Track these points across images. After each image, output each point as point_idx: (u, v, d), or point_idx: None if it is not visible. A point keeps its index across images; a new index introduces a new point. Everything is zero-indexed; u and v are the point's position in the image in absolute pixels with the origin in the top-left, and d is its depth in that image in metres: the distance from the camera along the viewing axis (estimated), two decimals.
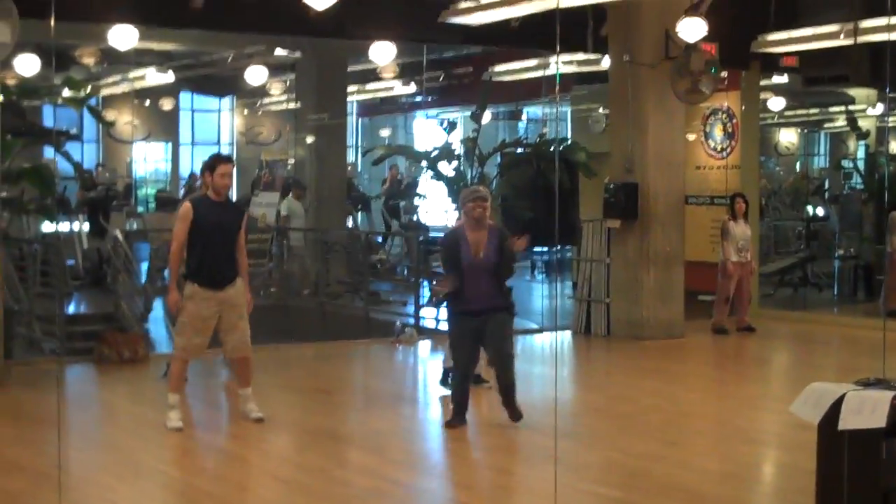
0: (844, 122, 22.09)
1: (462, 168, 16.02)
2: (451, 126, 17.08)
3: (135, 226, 20.00)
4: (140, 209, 24.34)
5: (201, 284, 8.46)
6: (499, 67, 19.63)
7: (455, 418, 8.76)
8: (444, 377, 10.28)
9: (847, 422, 5.99)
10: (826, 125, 26.01)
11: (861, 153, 21.61)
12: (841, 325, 15.62)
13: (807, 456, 6.68)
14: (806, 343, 14.30)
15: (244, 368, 8.85)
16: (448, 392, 9.82)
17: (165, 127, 27.96)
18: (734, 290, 14.27)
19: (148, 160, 28.47)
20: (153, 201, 24.85)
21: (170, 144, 28.74)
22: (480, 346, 8.78)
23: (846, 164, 23.35)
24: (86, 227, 19.07)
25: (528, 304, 17.55)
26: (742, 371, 12.51)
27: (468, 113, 17.72)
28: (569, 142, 18.12)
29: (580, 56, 16.36)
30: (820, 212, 22.24)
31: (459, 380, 8.83)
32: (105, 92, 23.82)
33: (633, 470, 7.71)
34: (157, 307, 15.48)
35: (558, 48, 13.10)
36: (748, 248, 14.31)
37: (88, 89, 18.75)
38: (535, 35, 14.63)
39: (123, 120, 25.63)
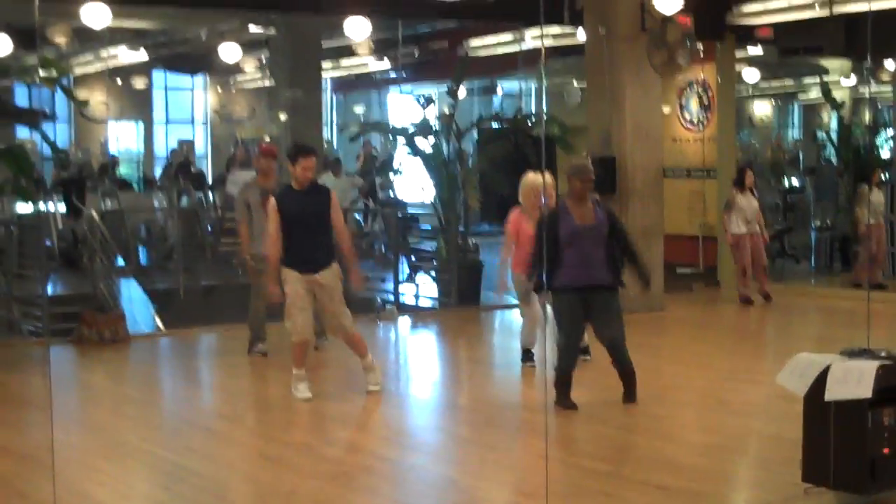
0: (818, 94, 22.14)
1: (439, 144, 16.01)
2: (428, 101, 17.02)
3: (109, 205, 19.86)
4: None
5: (293, 268, 8.83)
6: (474, 42, 19.61)
7: (565, 400, 8.46)
8: (525, 355, 10.28)
9: (833, 392, 6.04)
10: (800, 96, 26.11)
11: (835, 124, 21.69)
12: (818, 296, 15.74)
13: (791, 426, 6.75)
14: (785, 314, 14.38)
15: (351, 345, 9.18)
16: (530, 365, 10.05)
17: (139, 106, 27.76)
18: (749, 260, 14.40)
19: (121, 139, 28.27)
20: (134, 181, 24.66)
21: (142, 123, 28.55)
22: (588, 322, 8.61)
23: (820, 135, 23.45)
24: (61, 207, 18.94)
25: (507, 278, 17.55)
26: (723, 343, 12.58)
27: (444, 88, 17.68)
28: (545, 116, 18.11)
29: (556, 29, 16.34)
30: (795, 183, 22.35)
31: (566, 362, 8.52)
32: (78, 71, 23.65)
33: (621, 443, 7.75)
34: (133, 286, 15.47)
35: (542, 20, 13.06)
36: (755, 219, 14.38)
37: (61, 69, 18.62)
38: (510, 8, 14.63)
39: (96, 99, 25.43)
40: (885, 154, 20.60)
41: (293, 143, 9.80)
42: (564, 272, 8.36)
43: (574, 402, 8.47)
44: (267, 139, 23.54)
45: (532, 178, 9.87)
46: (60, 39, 19.82)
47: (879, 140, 20.92)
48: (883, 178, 17.13)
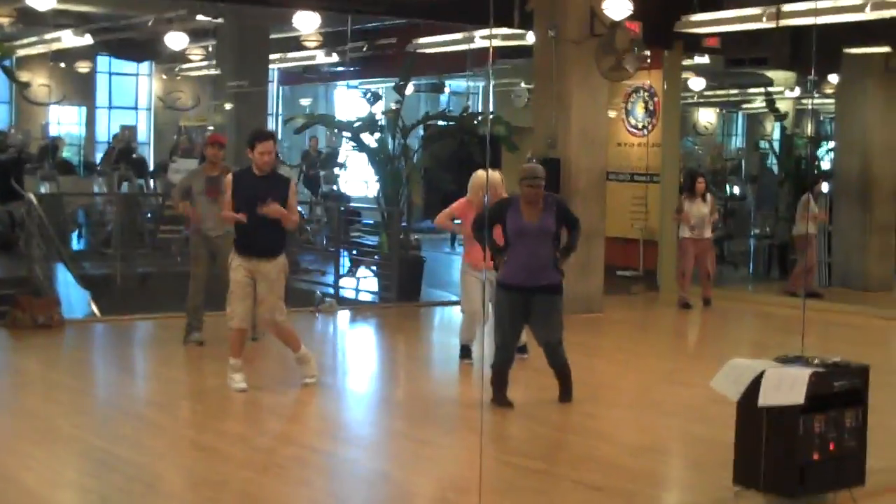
0: (762, 104, 22.39)
1: (384, 139, 15.98)
2: (375, 97, 16.97)
3: (48, 189, 19.62)
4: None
5: (238, 252, 8.81)
6: (423, 40, 19.57)
7: (501, 398, 8.45)
8: (463, 352, 10.26)
9: (766, 398, 6.10)
10: (744, 106, 26.39)
11: (777, 134, 21.94)
12: (755, 302, 15.90)
13: (724, 429, 6.80)
14: (722, 319, 14.52)
15: (282, 339, 9.11)
16: (467, 362, 10.06)
17: (81, 90, 27.44)
18: (694, 265, 14.59)
19: (63, 123, 27.93)
20: (75, 165, 24.35)
21: (85, 108, 28.23)
22: (526, 323, 8.61)
23: (763, 144, 23.71)
24: None
25: (448, 276, 17.58)
26: (659, 345, 12.67)
27: (391, 84, 17.63)
28: (491, 115, 18.14)
29: (505, 31, 16.36)
30: (737, 191, 22.57)
31: (502, 359, 8.50)
32: (20, 53, 23.33)
33: (555, 442, 7.78)
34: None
35: (491, 21, 13.08)
36: (704, 225, 14.50)
37: (4, 50, 18.40)
38: (460, 8, 14.61)
39: (39, 82, 25.10)
40: (825, 165, 20.87)
41: (252, 130, 9.77)
42: (508, 270, 8.39)
43: (510, 400, 8.48)
44: (210, 128, 23.34)
45: (482, 175, 9.86)
46: (4, 20, 19.52)
47: (820, 151, 21.20)
48: (823, 189, 17.38)
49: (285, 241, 9.02)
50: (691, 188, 14.65)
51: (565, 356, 8.67)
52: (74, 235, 18.89)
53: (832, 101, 20.31)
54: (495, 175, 9.88)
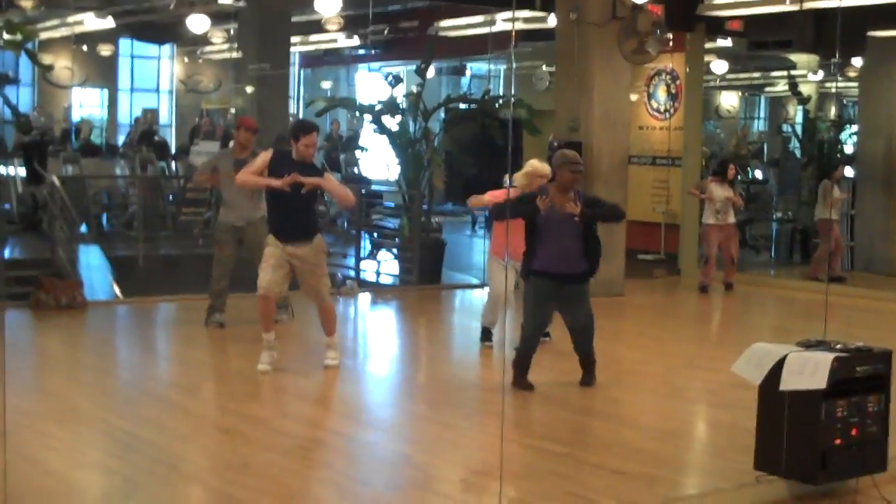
0: (785, 87, 22.28)
1: (405, 122, 15.97)
2: (396, 80, 16.95)
3: (70, 171, 19.70)
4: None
5: (275, 236, 8.79)
6: (444, 23, 19.55)
7: (522, 381, 8.49)
8: (484, 334, 10.27)
9: (788, 382, 6.08)
10: (767, 89, 26.26)
11: (800, 118, 21.84)
12: (777, 286, 15.84)
13: (746, 415, 6.80)
14: (744, 304, 14.48)
15: (324, 319, 9.13)
16: (488, 345, 10.09)
17: (104, 73, 27.51)
18: (717, 251, 14.47)
19: (85, 106, 28.03)
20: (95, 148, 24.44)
21: (107, 90, 28.31)
22: (556, 311, 8.66)
23: (785, 128, 23.60)
24: (21, 171, 18.75)
25: (468, 259, 17.60)
26: (681, 330, 12.65)
27: (412, 67, 17.62)
28: (513, 98, 18.12)
29: (527, 13, 16.32)
30: (759, 175, 22.48)
31: (528, 344, 8.55)
32: (43, 36, 23.39)
33: (577, 426, 7.77)
34: (94, 254, 15.35)
35: (514, 3, 13.06)
36: (728, 210, 14.37)
37: (27, 33, 18.42)
38: None
39: (61, 64, 25.18)
40: (848, 149, 20.77)
41: (296, 120, 9.74)
42: (540, 259, 8.39)
43: (531, 382, 8.49)
44: (232, 111, 23.39)
45: (538, 164, 9.80)
46: (26, 3, 19.53)
47: (843, 136, 21.09)
48: (846, 174, 17.29)
49: (317, 220, 9.11)
50: (723, 172, 14.47)
51: (593, 345, 8.72)
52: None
53: (856, 84, 20.19)
54: (546, 168, 9.66)
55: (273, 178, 8.67)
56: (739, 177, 21.96)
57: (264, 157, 8.88)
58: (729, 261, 14.66)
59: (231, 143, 11.23)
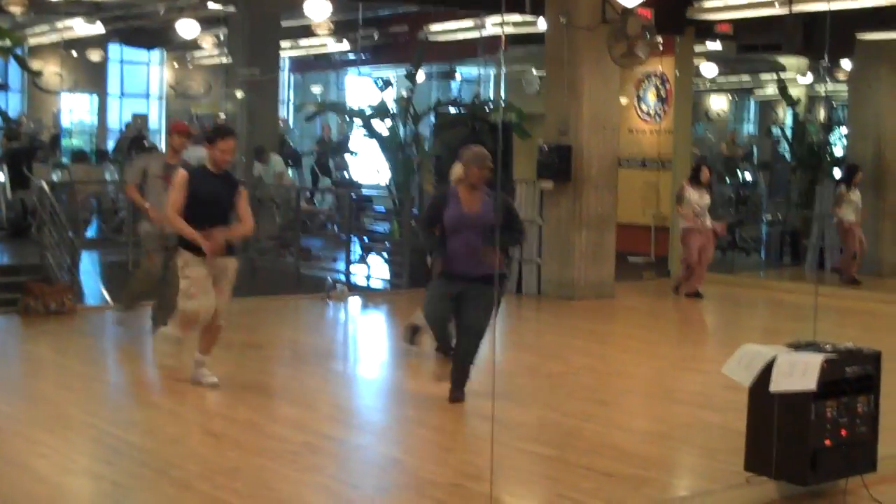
0: (775, 90, 22.32)
1: (395, 126, 15.98)
2: (386, 84, 16.97)
3: (59, 177, 19.67)
4: (64, 160, 23.97)
5: (195, 253, 8.35)
6: (434, 27, 19.57)
7: (457, 392, 8.21)
8: (410, 334, 10.08)
9: (778, 384, 6.09)
10: (756, 92, 26.32)
11: (790, 121, 21.87)
12: (767, 288, 15.86)
13: (736, 416, 6.80)
14: (734, 305, 14.50)
15: (213, 336, 8.70)
16: (411, 347, 9.91)
17: (93, 78, 27.52)
18: (696, 258, 14.13)
19: (74, 111, 28.01)
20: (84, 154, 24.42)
21: (97, 96, 28.29)
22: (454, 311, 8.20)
23: (775, 131, 23.64)
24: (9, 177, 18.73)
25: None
26: (671, 332, 12.66)
27: (402, 72, 17.63)
28: (503, 102, 18.14)
29: (517, 17, 16.34)
30: (749, 178, 22.53)
31: (441, 334, 8.27)
32: (32, 41, 23.38)
33: (566, 429, 7.76)
34: (84, 259, 15.30)
35: (503, 7, 13.07)
36: (706, 215, 14.17)
37: (16, 38, 18.34)
38: None
39: (50, 70, 25.17)
40: (838, 152, 20.81)
41: (213, 125, 9.34)
42: (447, 261, 8.08)
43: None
44: (222, 116, 23.39)
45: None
46: (15, 9, 19.53)
47: (833, 138, 21.14)
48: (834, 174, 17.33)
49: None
50: (696, 177, 14.23)
51: (476, 352, 8.23)
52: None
53: (845, 87, 20.23)
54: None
55: (194, 202, 8.32)
56: (728, 180, 22.07)
57: (181, 179, 8.43)
58: (703, 267, 14.32)
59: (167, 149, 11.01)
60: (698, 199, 14.07)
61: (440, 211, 8.09)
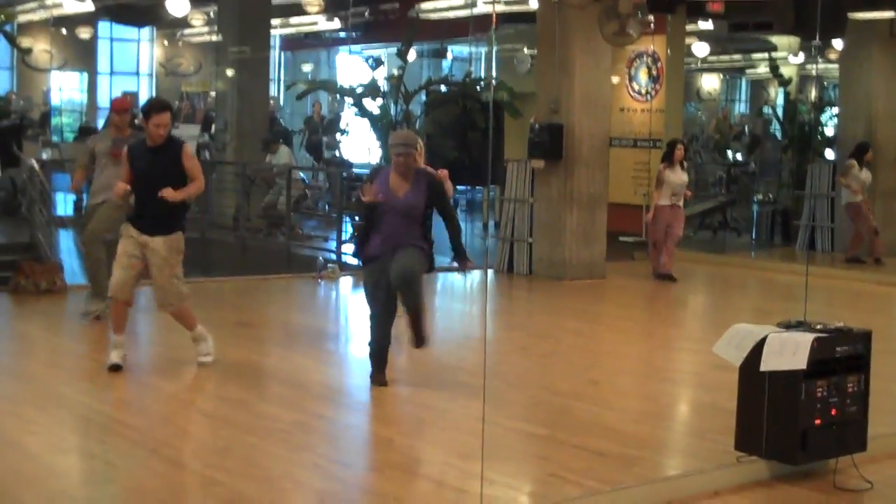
0: (766, 69, 22.32)
1: (386, 105, 15.95)
2: (377, 63, 16.92)
3: (49, 155, 19.62)
4: (55, 138, 23.89)
5: (131, 223, 8.40)
6: (425, 5, 19.52)
7: (379, 376, 8.17)
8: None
9: (768, 363, 6.11)
10: (748, 72, 26.31)
11: (781, 100, 21.90)
12: (758, 268, 15.89)
13: (726, 395, 6.83)
14: (724, 285, 14.53)
15: (178, 319, 8.68)
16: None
17: (83, 56, 27.40)
18: (662, 235, 13.96)
19: (64, 89, 27.90)
20: (69, 131, 24.36)
21: (86, 74, 28.18)
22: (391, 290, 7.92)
23: (766, 110, 23.65)
24: None
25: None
26: (662, 312, 12.67)
27: (393, 50, 17.59)
28: (494, 81, 18.11)
29: None
30: (740, 157, 22.54)
31: (379, 333, 8.14)
32: (21, 19, 23.26)
33: (557, 408, 7.78)
34: (66, 237, 15.29)
35: None
36: (682, 193, 14.05)
37: (6, 15, 18.28)
38: None
39: (40, 48, 25.05)
40: (829, 132, 20.82)
41: (148, 99, 9.26)
42: (372, 246, 7.93)
43: (386, 379, 8.16)
44: (212, 94, 23.31)
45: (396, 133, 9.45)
46: None
47: (824, 118, 21.15)
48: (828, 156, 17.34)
49: (182, 217, 8.59)
50: (670, 155, 14.04)
51: (421, 296, 8.02)
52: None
53: (836, 66, 20.22)
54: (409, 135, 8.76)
55: (134, 177, 8.35)
56: (723, 159, 22.05)
57: (124, 154, 8.55)
58: (672, 244, 14.07)
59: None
60: (676, 179, 13.94)
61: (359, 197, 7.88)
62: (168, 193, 8.17)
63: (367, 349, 8.24)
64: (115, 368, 8.32)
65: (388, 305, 8.07)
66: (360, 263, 8.17)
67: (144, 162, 8.36)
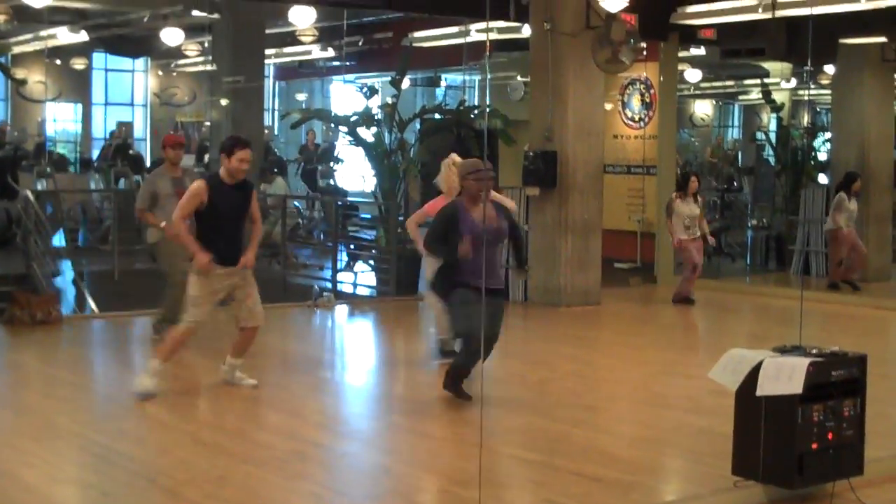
0: (759, 95, 22.41)
1: (381, 133, 15.99)
2: (371, 91, 16.99)
3: (44, 185, 19.64)
4: (48, 169, 23.90)
5: (218, 263, 8.44)
6: (419, 34, 19.58)
7: (462, 390, 8.33)
8: (442, 349, 9.96)
9: (764, 388, 6.11)
10: (741, 97, 26.42)
11: (774, 126, 21.98)
12: (753, 293, 15.91)
13: (723, 420, 6.83)
14: (720, 310, 14.54)
15: (249, 339, 8.86)
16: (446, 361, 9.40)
17: (77, 87, 27.44)
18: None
19: (59, 120, 27.94)
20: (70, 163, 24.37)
21: (81, 105, 28.23)
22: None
23: (759, 136, 23.74)
24: None
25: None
26: (658, 337, 12.67)
27: (387, 78, 17.67)
28: (488, 109, 18.17)
29: (501, 24, 16.35)
30: (734, 183, 22.60)
31: (473, 357, 8.19)
32: (16, 50, 23.33)
33: (555, 434, 7.78)
34: (69, 269, 15.29)
35: (487, 14, 13.10)
36: (695, 225, 14.16)
37: None
38: (456, 2, 14.62)
39: (34, 79, 25.11)
40: (822, 157, 20.90)
41: (230, 136, 9.42)
42: (463, 272, 8.08)
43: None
44: (207, 124, 23.38)
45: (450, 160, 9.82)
46: None
47: (817, 143, 21.24)
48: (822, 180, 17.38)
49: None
50: (684, 187, 14.23)
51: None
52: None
53: (828, 91, 20.31)
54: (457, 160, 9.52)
55: (214, 214, 8.43)
56: (719, 184, 22.11)
57: (197, 189, 8.50)
58: (696, 274, 14.36)
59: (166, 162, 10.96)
60: (688, 210, 14.06)
61: (452, 227, 8.09)
62: (249, 261, 8.63)
63: (454, 364, 8.42)
64: (148, 397, 8.40)
65: (479, 337, 8.02)
66: (444, 293, 8.33)
67: (229, 201, 8.47)
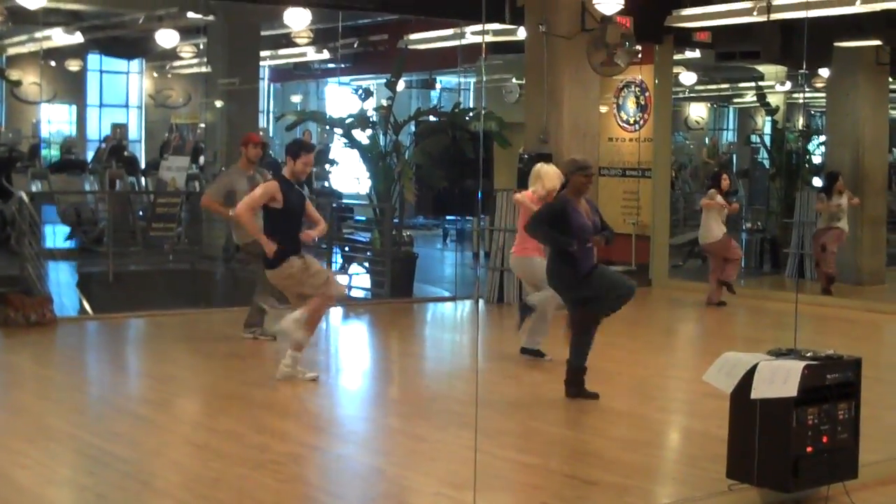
0: (753, 98, 22.44)
1: (376, 136, 15.98)
2: (366, 93, 16.96)
3: (39, 187, 19.61)
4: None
5: (295, 254, 9.13)
6: (414, 36, 19.57)
7: (588, 393, 8.77)
8: (525, 311, 10.46)
9: (759, 391, 6.12)
10: (735, 100, 26.45)
11: (768, 129, 21.98)
12: (747, 296, 15.88)
13: (717, 423, 6.84)
14: (714, 313, 14.52)
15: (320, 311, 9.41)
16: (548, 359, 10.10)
17: (72, 88, 27.38)
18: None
19: (53, 121, 27.89)
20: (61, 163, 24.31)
21: (75, 106, 28.18)
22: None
23: (754, 139, 23.76)
24: None
25: (439, 272, 17.61)
26: (653, 340, 12.67)
27: (382, 81, 17.64)
28: (483, 111, 18.15)
29: (496, 26, 16.35)
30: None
31: (586, 352, 8.94)
32: (10, 51, 23.30)
33: (549, 437, 7.78)
34: (61, 269, 15.28)
35: (483, 16, 13.07)
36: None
37: None
38: (451, 4, 14.62)
39: (29, 80, 25.06)
40: (816, 160, 20.91)
41: (295, 140, 10.05)
42: (576, 266, 8.70)
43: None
44: (202, 126, 23.35)
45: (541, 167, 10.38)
46: None
47: (812, 146, 21.26)
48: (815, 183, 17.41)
49: None
50: (718, 185, 14.51)
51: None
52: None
53: (823, 95, 20.33)
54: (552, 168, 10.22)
55: (288, 212, 9.10)
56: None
57: (273, 187, 9.10)
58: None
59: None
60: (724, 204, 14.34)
61: (563, 219, 8.64)
62: (309, 236, 9.41)
63: (573, 366, 8.84)
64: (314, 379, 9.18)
65: (595, 326, 9.05)
66: (559, 285, 9.02)
67: (295, 197, 9.18)
